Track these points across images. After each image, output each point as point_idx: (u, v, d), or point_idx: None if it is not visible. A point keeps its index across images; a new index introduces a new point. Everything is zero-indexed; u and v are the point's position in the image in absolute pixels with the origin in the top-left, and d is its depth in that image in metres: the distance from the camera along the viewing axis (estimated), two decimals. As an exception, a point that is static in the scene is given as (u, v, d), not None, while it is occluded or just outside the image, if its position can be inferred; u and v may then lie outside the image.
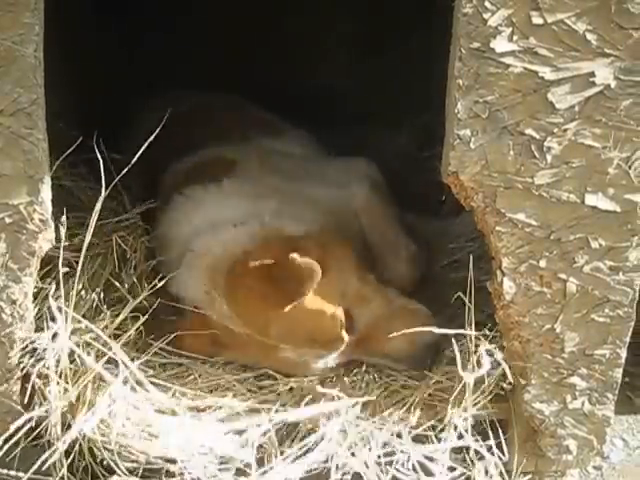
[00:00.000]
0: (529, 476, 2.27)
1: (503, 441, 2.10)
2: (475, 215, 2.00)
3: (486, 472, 2.08)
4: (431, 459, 2.05)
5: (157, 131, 2.11)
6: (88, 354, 2.08)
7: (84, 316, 2.14)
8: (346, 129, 3.30)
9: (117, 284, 2.34)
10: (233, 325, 2.24)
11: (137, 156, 2.05)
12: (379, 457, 2.05)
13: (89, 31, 3.44)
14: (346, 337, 2.24)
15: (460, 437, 2.06)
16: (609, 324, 2.08)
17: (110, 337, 2.10)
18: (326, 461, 2.02)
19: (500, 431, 2.12)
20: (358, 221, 2.63)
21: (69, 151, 2.08)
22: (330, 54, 3.85)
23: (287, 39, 3.69)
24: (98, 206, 2.03)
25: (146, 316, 2.18)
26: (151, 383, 2.12)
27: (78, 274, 2.10)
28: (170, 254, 2.47)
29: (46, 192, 1.91)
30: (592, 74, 1.89)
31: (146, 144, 2.03)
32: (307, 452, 2.04)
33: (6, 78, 1.85)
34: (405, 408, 2.13)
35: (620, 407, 2.43)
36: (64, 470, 1.98)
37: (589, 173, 1.96)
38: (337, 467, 2.01)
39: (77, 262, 2.26)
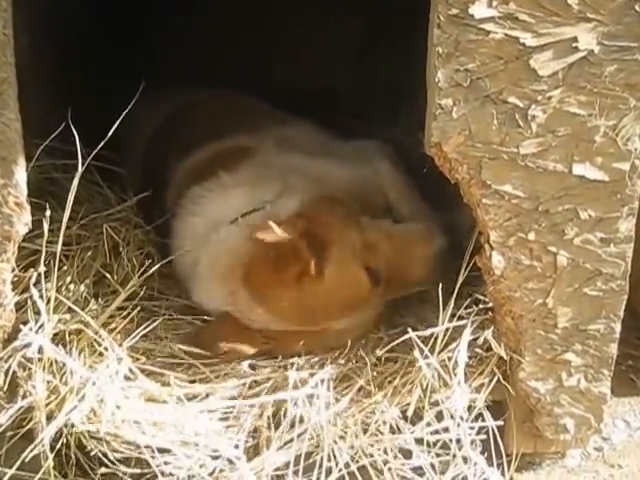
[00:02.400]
0: (529, 458, 2.23)
1: (493, 426, 2.03)
2: (460, 188, 1.96)
3: (484, 454, 2.02)
4: (425, 443, 1.99)
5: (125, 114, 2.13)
6: (78, 342, 2.05)
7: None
8: (345, 126, 3.26)
9: (107, 275, 2.31)
10: (268, 323, 2.20)
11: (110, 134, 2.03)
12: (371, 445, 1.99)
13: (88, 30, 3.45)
14: (376, 291, 2.22)
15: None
16: (602, 298, 2.02)
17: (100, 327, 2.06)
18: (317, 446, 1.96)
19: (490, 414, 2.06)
20: (382, 196, 2.59)
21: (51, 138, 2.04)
22: (330, 52, 3.80)
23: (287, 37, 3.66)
24: (75, 181, 1.98)
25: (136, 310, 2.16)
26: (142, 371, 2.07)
27: (57, 265, 2.07)
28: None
29: (20, 174, 1.87)
30: (575, 39, 1.85)
31: (115, 125, 2.04)
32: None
33: (-26, 57, 1.81)
34: (397, 390, 2.06)
35: (622, 389, 2.41)
36: (49, 461, 1.92)
37: (575, 142, 1.92)
38: (331, 456, 1.95)
39: (65, 255, 2.25)
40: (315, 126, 2.92)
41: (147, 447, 1.95)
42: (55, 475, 1.96)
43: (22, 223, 1.89)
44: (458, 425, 1.98)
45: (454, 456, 1.97)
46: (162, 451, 1.96)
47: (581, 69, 1.86)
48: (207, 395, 2.11)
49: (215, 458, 1.98)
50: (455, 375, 1.99)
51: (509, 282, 2.00)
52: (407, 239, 2.32)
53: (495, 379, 2.07)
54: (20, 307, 2.03)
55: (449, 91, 1.87)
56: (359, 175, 2.56)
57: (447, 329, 2.02)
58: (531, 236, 1.97)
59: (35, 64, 2.44)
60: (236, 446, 1.99)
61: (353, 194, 2.45)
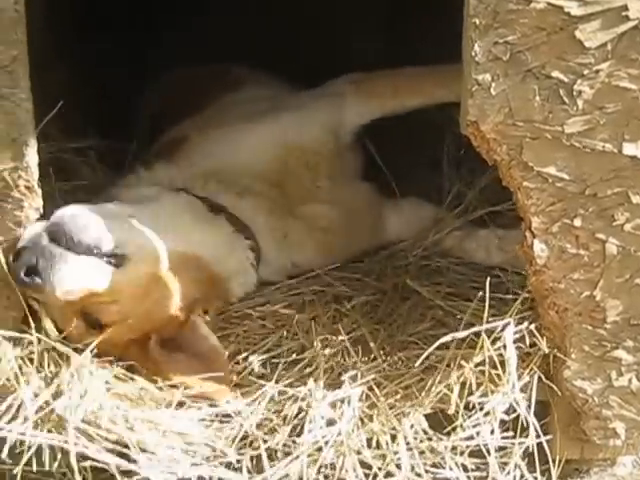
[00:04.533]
0: (575, 465, 2.08)
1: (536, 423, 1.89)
2: (500, 170, 1.83)
3: (524, 459, 1.87)
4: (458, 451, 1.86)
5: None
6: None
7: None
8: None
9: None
10: None
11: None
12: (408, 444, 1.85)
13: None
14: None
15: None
16: (656, 289, 1.87)
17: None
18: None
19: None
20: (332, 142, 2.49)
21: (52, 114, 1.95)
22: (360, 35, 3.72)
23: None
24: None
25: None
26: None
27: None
28: None
29: (31, 156, 1.79)
30: (625, 7, 1.72)
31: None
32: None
33: (-16, 34, 1.74)
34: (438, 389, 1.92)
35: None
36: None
37: (626, 119, 1.78)
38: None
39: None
40: (279, 84, 2.87)
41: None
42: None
43: (33, 208, 1.82)
44: (492, 432, 1.84)
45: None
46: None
47: (632, 40, 1.73)
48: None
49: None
50: (504, 374, 1.85)
51: (553, 272, 1.87)
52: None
53: (537, 378, 1.93)
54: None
55: (487, 66, 1.75)
56: (297, 127, 2.45)
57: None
58: (577, 222, 1.83)
59: (49, 45, 2.39)
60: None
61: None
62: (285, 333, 2.17)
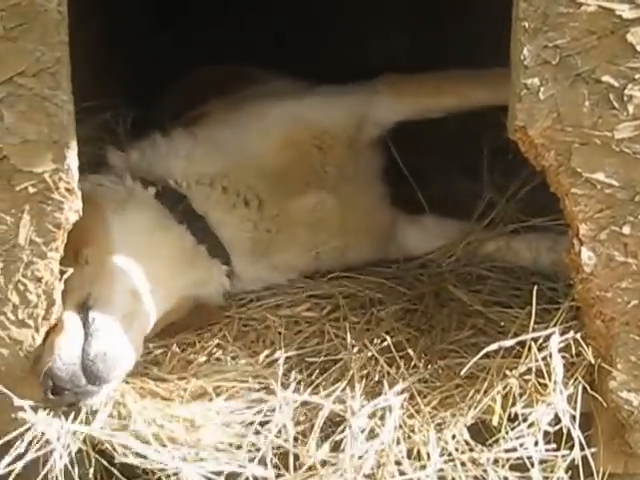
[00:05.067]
0: (618, 479, 2.03)
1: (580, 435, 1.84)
2: (547, 176, 1.79)
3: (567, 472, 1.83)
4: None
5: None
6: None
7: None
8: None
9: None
10: None
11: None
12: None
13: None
14: None
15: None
16: None
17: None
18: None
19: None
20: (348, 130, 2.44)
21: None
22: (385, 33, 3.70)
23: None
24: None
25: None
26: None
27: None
28: None
29: (72, 158, 1.77)
30: (678, 10, 1.68)
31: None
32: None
33: (28, 35, 1.71)
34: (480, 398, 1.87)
35: None
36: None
37: (678, 125, 1.74)
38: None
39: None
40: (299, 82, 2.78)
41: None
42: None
43: (72, 210, 1.79)
44: (536, 443, 1.80)
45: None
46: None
47: (684, 44, 1.69)
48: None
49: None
50: (550, 383, 1.81)
51: (600, 281, 1.83)
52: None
53: (581, 389, 1.88)
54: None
55: (536, 70, 1.72)
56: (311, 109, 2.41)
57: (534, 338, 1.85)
58: (626, 230, 1.79)
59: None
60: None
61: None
62: (317, 337, 2.14)
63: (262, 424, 1.87)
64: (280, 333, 2.16)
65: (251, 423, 1.86)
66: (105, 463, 1.86)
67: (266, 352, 2.10)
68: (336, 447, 1.79)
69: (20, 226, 1.78)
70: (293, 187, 2.37)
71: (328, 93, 2.45)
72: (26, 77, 1.73)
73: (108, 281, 2.00)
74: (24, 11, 1.71)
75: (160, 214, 2.22)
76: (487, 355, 1.91)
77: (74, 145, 1.77)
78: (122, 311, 1.97)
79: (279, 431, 1.82)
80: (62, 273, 1.85)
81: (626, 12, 1.68)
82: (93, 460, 1.85)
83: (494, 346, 1.84)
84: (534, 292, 1.85)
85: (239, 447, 1.84)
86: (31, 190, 1.77)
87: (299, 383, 1.98)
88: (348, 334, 2.05)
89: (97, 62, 2.43)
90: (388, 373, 1.95)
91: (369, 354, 2.00)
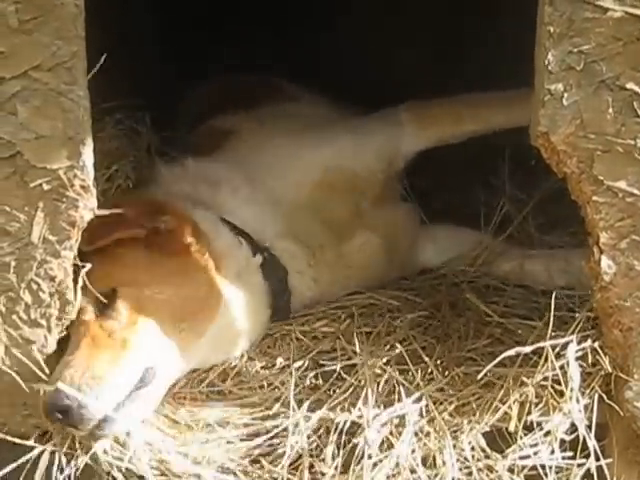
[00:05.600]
0: (631, 489, 2.01)
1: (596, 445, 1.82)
2: (569, 183, 1.77)
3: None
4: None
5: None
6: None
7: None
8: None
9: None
10: None
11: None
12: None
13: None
14: None
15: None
16: None
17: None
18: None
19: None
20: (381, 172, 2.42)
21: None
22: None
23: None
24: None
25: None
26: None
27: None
28: None
29: (88, 155, 1.73)
30: None
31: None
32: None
33: (44, 29, 1.68)
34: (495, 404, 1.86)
35: None
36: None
37: (701, 135, 1.72)
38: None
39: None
40: (332, 104, 2.81)
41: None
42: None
43: (87, 208, 1.75)
44: (552, 451, 1.78)
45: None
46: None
47: None
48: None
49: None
50: (567, 391, 1.80)
51: (619, 290, 1.80)
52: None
53: (597, 398, 1.86)
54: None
55: (560, 75, 1.70)
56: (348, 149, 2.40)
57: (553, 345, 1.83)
58: (646, 239, 1.77)
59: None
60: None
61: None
62: (330, 346, 2.11)
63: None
64: (298, 339, 2.15)
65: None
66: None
67: (280, 359, 2.09)
68: (351, 456, 1.77)
69: (34, 224, 1.74)
70: (341, 231, 2.36)
71: (359, 135, 2.43)
72: (41, 71, 1.69)
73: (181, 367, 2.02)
74: (40, 3, 1.67)
75: (261, 287, 2.19)
76: (504, 364, 1.90)
77: (90, 142, 1.73)
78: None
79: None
80: (78, 268, 1.80)
81: (653, 19, 1.67)
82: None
83: (511, 352, 1.82)
84: (552, 299, 1.83)
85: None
86: (45, 187, 1.73)
87: (314, 389, 1.96)
88: (356, 342, 2.03)
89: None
90: (404, 380, 1.93)
91: (384, 360, 1.98)
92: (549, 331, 1.83)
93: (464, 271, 2.46)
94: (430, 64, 3.49)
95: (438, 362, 2.03)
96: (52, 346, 1.82)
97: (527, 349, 1.83)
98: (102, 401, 1.80)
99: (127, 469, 1.80)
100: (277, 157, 2.34)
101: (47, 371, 1.82)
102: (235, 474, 1.80)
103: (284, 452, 1.77)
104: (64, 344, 1.87)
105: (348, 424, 1.81)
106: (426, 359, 2.02)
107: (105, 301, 1.91)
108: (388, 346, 2.06)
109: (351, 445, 1.78)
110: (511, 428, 1.80)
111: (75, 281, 1.81)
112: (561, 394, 1.81)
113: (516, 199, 2.59)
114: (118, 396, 1.84)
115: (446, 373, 1.98)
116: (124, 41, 2.98)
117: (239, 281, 2.11)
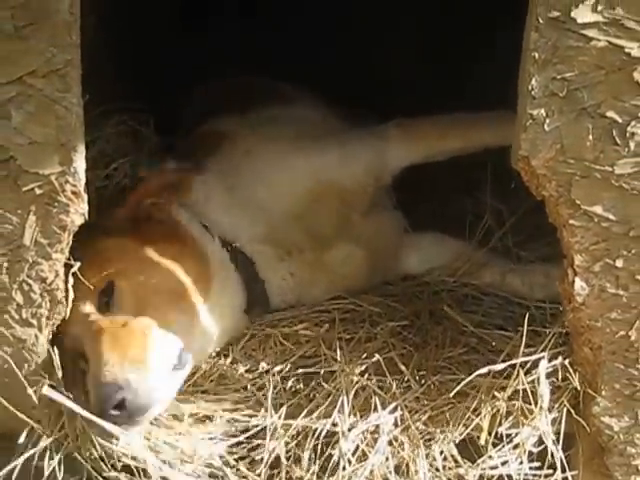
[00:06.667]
0: (595, 499, 2.09)
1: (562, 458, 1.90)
2: (547, 206, 1.82)
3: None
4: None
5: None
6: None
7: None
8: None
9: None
10: None
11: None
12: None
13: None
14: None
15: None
16: (692, 333, 1.87)
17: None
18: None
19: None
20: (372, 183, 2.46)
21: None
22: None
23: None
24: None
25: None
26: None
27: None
28: None
29: (79, 162, 1.76)
30: (685, 52, 1.70)
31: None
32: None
33: (39, 35, 1.70)
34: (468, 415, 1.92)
35: None
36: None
37: (677, 164, 1.76)
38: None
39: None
40: (325, 108, 2.81)
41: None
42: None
43: (78, 213, 1.79)
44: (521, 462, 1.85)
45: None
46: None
47: (690, 86, 1.71)
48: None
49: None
50: (536, 407, 1.86)
51: (591, 310, 1.86)
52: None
53: (565, 411, 1.93)
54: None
55: (543, 101, 1.74)
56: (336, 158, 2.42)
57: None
58: (619, 263, 1.82)
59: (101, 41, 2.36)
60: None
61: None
62: (312, 351, 2.16)
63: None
64: (280, 343, 2.20)
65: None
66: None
67: (263, 364, 2.14)
68: (327, 462, 1.83)
69: (26, 227, 1.78)
70: (324, 241, 2.40)
71: (347, 148, 2.45)
72: (36, 77, 1.72)
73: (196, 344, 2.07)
74: (35, 10, 1.69)
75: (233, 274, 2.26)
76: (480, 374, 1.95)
77: (82, 149, 1.76)
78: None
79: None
80: (69, 268, 1.84)
81: (635, 50, 1.69)
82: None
83: (484, 370, 1.88)
84: (526, 316, 1.89)
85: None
86: (37, 191, 1.76)
87: (294, 394, 2.02)
88: (338, 351, 2.08)
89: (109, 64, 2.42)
90: (381, 389, 1.97)
91: (362, 368, 2.03)
92: (521, 348, 1.88)
93: (445, 280, 2.50)
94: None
95: (415, 371, 2.08)
96: (42, 345, 1.86)
97: (499, 367, 1.89)
98: (152, 385, 1.86)
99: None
100: (265, 165, 2.37)
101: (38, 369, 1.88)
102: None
103: (261, 458, 1.83)
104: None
105: (324, 432, 1.87)
106: (402, 368, 2.06)
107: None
108: (367, 354, 2.10)
109: (327, 454, 1.83)
110: (482, 441, 1.85)
111: (66, 281, 1.86)
112: (531, 410, 1.87)
113: (497, 211, 2.62)
114: (163, 378, 1.90)
115: (422, 382, 2.03)
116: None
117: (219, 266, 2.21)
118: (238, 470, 1.83)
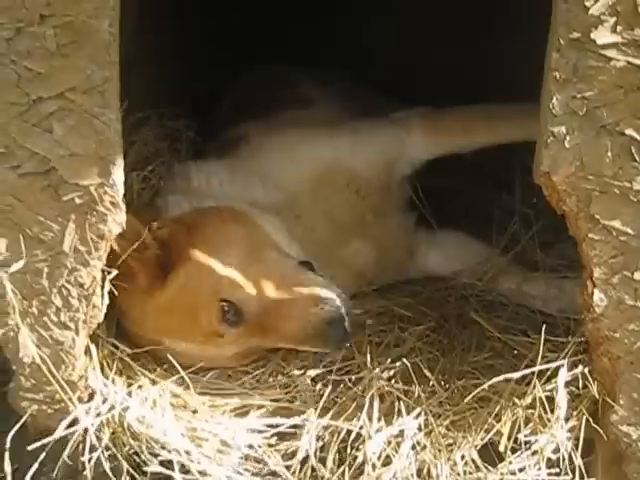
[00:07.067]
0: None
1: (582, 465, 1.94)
2: (567, 220, 1.86)
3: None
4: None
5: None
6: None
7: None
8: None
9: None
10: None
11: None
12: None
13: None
14: (227, 330, 2.11)
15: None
16: None
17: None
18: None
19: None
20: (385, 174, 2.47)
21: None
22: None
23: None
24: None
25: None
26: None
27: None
28: None
29: (118, 174, 1.85)
30: (703, 72, 1.73)
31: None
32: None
33: (80, 53, 1.78)
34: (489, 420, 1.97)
35: None
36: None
37: (694, 181, 1.80)
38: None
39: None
40: (342, 107, 2.78)
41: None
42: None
43: (116, 223, 1.87)
44: (539, 469, 1.90)
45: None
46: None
47: None
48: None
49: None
50: (552, 414, 1.91)
51: (609, 321, 1.90)
52: (297, 295, 2.10)
53: (584, 419, 1.98)
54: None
55: (563, 118, 1.79)
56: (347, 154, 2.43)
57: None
58: (637, 275, 1.86)
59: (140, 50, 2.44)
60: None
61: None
62: (346, 354, 2.21)
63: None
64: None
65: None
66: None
67: (292, 367, 2.21)
68: (351, 464, 1.89)
69: (66, 234, 1.86)
70: (340, 237, 2.43)
71: (361, 134, 2.45)
72: (77, 93, 1.80)
73: None
74: (76, 29, 1.77)
75: None
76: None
77: (120, 162, 1.84)
78: None
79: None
80: (105, 274, 1.93)
81: (653, 69, 1.74)
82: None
83: (500, 378, 1.94)
84: (543, 327, 1.94)
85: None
86: (77, 201, 1.84)
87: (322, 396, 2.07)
88: (368, 356, 2.14)
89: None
90: (407, 395, 2.02)
91: (390, 373, 2.09)
92: (539, 357, 1.93)
93: (473, 284, 2.54)
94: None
95: (440, 375, 2.13)
96: (79, 347, 1.95)
97: (516, 374, 1.94)
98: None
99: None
100: (277, 150, 2.40)
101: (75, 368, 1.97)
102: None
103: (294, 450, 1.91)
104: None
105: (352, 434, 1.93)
106: (428, 374, 2.12)
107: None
108: (395, 357, 2.17)
109: (352, 455, 1.90)
110: (501, 448, 1.91)
111: (102, 287, 1.94)
112: (549, 418, 1.92)
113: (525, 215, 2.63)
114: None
115: (447, 386, 2.08)
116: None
117: None
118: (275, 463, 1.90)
